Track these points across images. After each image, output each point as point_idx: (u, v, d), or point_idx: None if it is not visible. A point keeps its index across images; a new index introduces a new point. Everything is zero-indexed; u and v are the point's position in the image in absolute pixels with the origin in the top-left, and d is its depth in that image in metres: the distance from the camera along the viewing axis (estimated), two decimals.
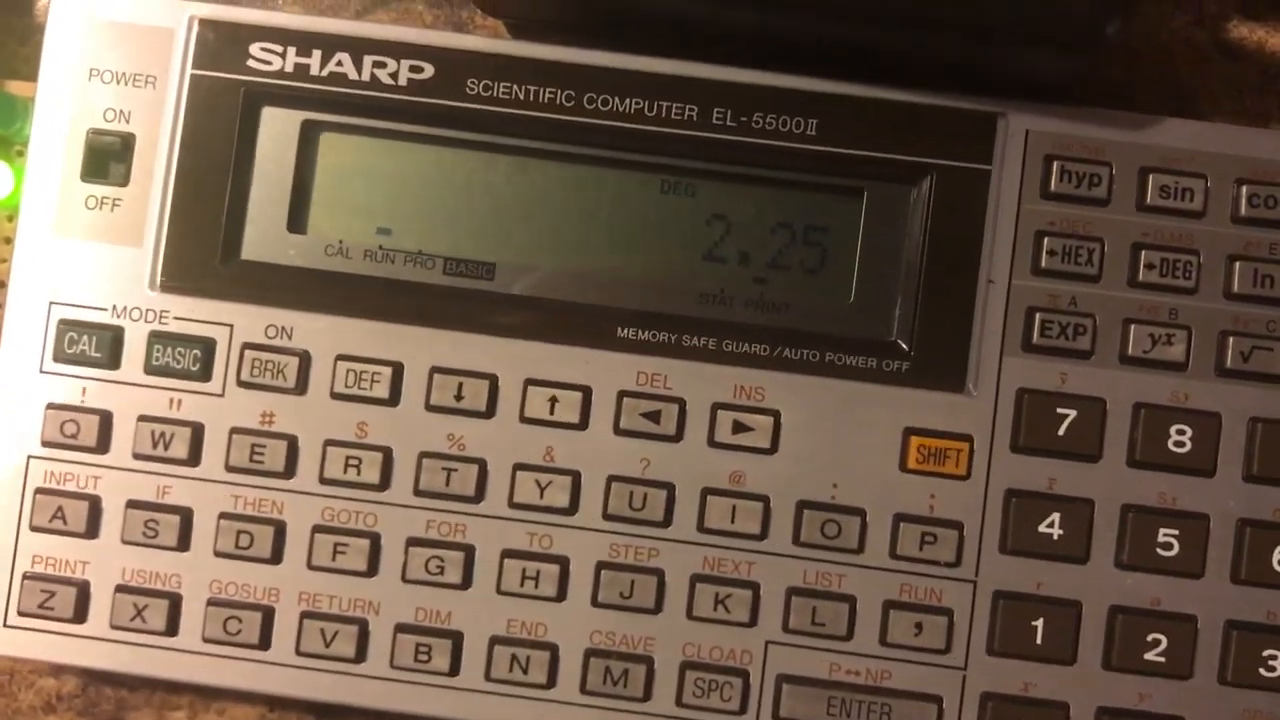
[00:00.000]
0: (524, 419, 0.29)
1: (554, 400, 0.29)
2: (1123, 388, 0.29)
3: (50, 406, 0.30)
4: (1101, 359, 0.29)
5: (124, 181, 0.30)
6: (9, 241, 0.32)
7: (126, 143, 0.30)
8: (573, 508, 0.29)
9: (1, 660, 0.32)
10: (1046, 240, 0.29)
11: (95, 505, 0.30)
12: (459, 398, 0.29)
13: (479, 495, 0.29)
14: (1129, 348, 0.29)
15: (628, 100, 0.30)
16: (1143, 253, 0.29)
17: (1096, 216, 0.29)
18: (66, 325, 0.30)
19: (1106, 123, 0.29)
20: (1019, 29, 0.28)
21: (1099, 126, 0.29)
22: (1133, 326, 0.29)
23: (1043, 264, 0.29)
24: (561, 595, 0.29)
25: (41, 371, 0.30)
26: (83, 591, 0.30)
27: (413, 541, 0.29)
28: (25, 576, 0.30)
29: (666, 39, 0.30)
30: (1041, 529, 0.29)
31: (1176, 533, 0.29)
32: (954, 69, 0.29)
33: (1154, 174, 0.29)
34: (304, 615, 0.29)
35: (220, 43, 0.30)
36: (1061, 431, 0.29)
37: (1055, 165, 0.29)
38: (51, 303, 0.30)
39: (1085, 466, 0.29)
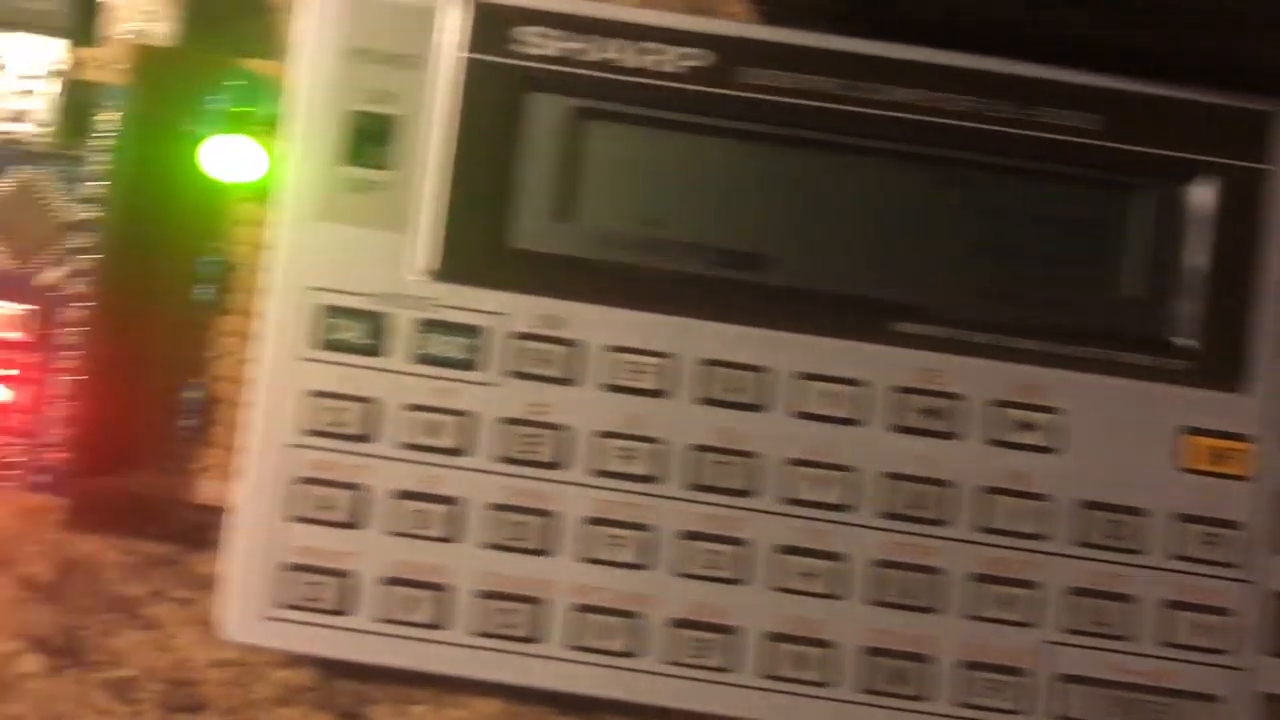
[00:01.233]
0: (798, 414, 0.29)
1: (828, 395, 0.29)
2: None
3: (311, 394, 0.29)
4: None
5: (386, 165, 0.29)
6: (245, 224, 0.31)
7: (389, 125, 0.29)
8: (849, 506, 0.29)
9: (237, 652, 0.32)
10: None
11: (359, 495, 0.29)
12: (733, 390, 0.29)
13: (752, 490, 0.29)
14: None
15: (905, 91, 0.29)
16: None
17: None
18: (328, 311, 0.29)
19: None
20: None
21: None
22: None
23: None
24: (839, 593, 0.29)
25: (301, 358, 0.29)
26: (345, 583, 0.29)
27: (687, 535, 0.29)
28: (284, 567, 0.29)
29: (930, 30, 0.29)
30: None
31: None
32: (1239, 65, 0.29)
33: None
34: (577, 608, 0.29)
35: (490, 26, 0.29)
36: None
37: None
38: (312, 288, 0.29)
39: None
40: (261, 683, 0.32)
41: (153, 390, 0.31)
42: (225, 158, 0.31)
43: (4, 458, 0.29)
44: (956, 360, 0.29)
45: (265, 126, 0.31)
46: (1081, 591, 0.29)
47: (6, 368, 0.29)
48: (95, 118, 0.29)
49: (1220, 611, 0.29)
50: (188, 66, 0.31)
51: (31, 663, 0.32)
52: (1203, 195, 0.29)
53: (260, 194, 0.31)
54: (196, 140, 0.31)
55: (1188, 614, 0.29)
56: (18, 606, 0.32)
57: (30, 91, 0.29)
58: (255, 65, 0.31)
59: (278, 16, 0.33)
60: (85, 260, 0.29)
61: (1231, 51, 0.29)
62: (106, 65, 0.30)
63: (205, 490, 0.31)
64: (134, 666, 0.32)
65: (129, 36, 0.31)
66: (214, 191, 0.31)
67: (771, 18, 0.31)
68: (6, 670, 0.32)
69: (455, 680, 0.30)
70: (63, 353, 0.29)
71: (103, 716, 0.32)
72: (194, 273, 0.31)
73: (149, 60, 0.31)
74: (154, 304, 0.31)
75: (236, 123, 0.31)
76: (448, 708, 0.32)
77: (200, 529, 0.32)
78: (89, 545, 0.32)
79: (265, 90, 0.31)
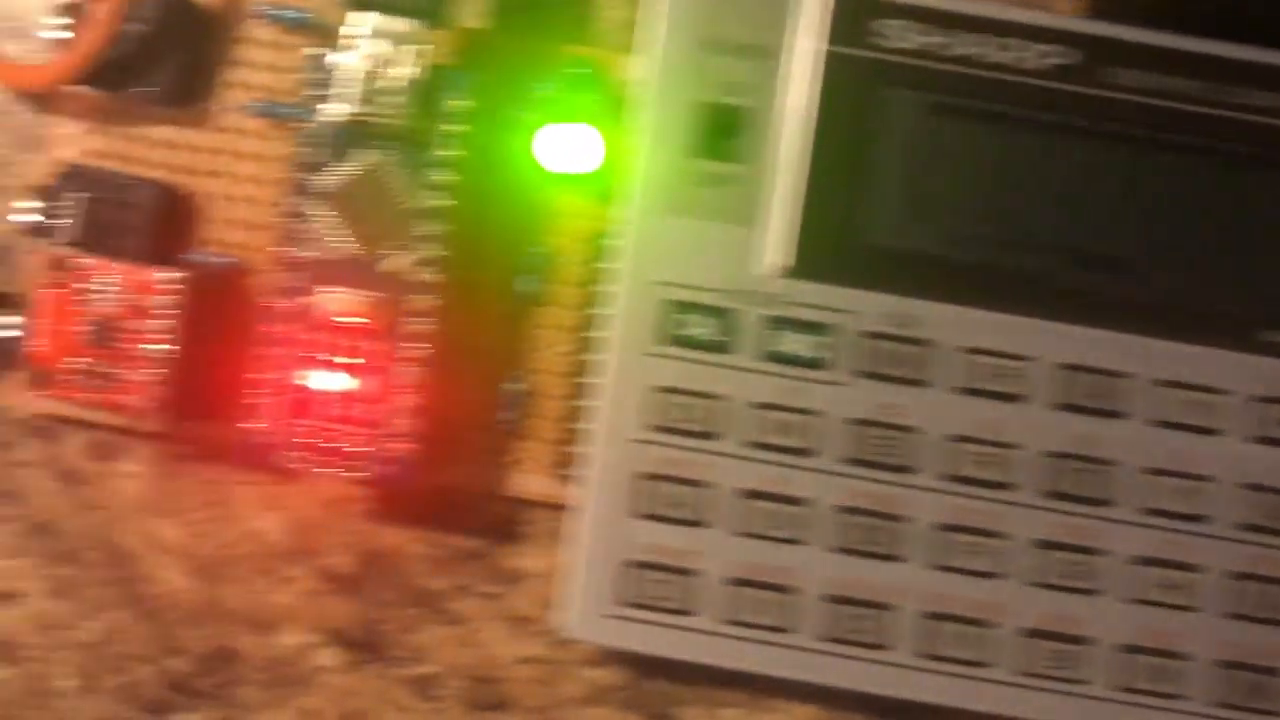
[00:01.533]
0: (1156, 422, 0.28)
1: (1188, 404, 0.28)
2: None
3: (658, 389, 0.29)
4: None
5: (736, 158, 0.29)
6: (581, 217, 0.31)
7: (740, 118, 0.29)
8: (1208, 516, 0.28)
9: (544, 649, 0.31)
10: None
11: (705, 493, 0.28)
12: (1089, 397, 0.28)
13: (1109, 500, 0.28)
14: None
15: (1271, 95, 0.28)
16: None
17: None
18: (675, 306, 0.29)
19: None
20: None
21: None
22: None
23: None
24: (1194, 606, 0.28)
25: (647, 354, 0.29)
26: (689, 582, 0.28)
27: (1042, 545, 0.28)
28: (629, 564, 0.28)
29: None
30: None
31: None
32: None
33: None
34: (927, 616, 0.28)
35: (851, 18, 0.29)
36: None
37: None
38: (659, 283, 0.29)
39: None
40: (569, 681, 0.31)
41: (477, 383, 0.30)
42: (558, 147, 0.30)
43: (348, 446, 0.28)
44: None
45: (593, 114, 0.30)
46: None
47: (351, 355, 0.28)
48: (443, 102, 0.29)
49: None
50: (517, 52, 0.30)
51: (330, 656, 0.31)
52: None
53: (590, 185, 0.30)
54: (529, 129, 0.30)
55: None
56: (317, 598, 0.31)
57: (379, 73, 0.28)
58: (581, 52, 0.31)
59: (593, 4, 0.32)
60: (431, 248, 0.29)
61: None
62: (454, 49, 0.29)
63: (518, 484, 0.31)
64: (436, 663, 0.31)
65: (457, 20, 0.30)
66: (544, 181, 0.30)
67: (1101, 12, 0.31)
68: (304, 663, 0.31)
69: (771, 684, 0.30)
70: (408, 342, 0.29)
71: (403, 713, 0.31)
72: (520, 264, 0.30)
73: (475, 45, 0.30)
74: (483, 295, 0.30)
75: (566, 110, 0.30)
76: (761, 712, 0.31)
77: (509, 523, 0.31)
78: (393, 537, 0.32)
79: (600, 77, 0.30)
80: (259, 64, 0.31)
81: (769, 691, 0.31)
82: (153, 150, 0.31)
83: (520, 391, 0.30)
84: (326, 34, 0.30)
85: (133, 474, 0.31)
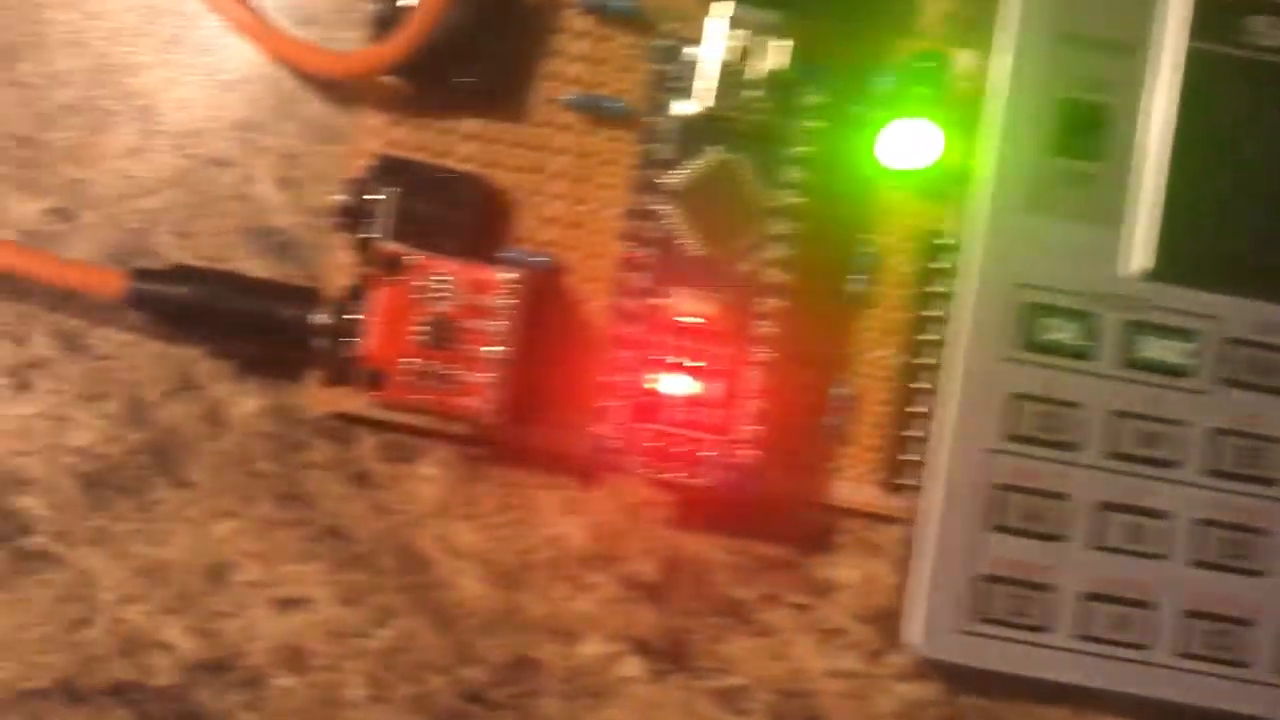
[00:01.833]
0: None
1: None
2: None
3: (1014, 396, 0.28)
4: None
5: (1099, 156, 0.28)
6: (899, 212, 0.30)
7: (1102, 115, 0.28)
8: None
9: (857, 662, 0.30)
10: None
11: (1066, 505, 0.27)
12: None
13: None
14: None
15: None
16: None
17: None
18: (1035, 310, 0.28)
19: None
20: None
21: None
22: None
23: None
24: None
25: (1004, 359, 0.28)
26: (1047, 597, 0.27)
27: None
28: (983, 579, 0.27)
29: None
30: None
31: None
32: None
33: None
34: None
35: (1219, 14, 0.28)
36: None
37: None
38: (1019, 285, 0.28)
39: None
40: (883, 695, 0.30)
41: (804, 388, 0.29)
42: (899, 143, 0.29)
43: (695, 452, 0.27)
44: None
45: (931, 109, 0.29)
46: None
47: (698, 359, 0.27)
48: (797, 97, 0.28)
49: None
50: (853, 47, 0.29)
51: (633, 666, 0.30)
52: None
53: (923, 181, 0.29)
54: (872, 125, 0.29)
55: None
56: (620, 606, 0.30)
57: (738, 66, 0.27)
58: (919, 45, 0.29)
59: None
60: (781, 248, 0.27)
61: None
62: (804, 42, 0.28)
63: (836, 491, 0.30)
64: (744, 675, 0.30)
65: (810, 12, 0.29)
66: (883, 179, 0.29)
67: None
68: (607, 673, 0.30)
69: (1092, 697, 0.29)
70: (756, 346, 0.27)
71: None
72: (851, 264, 0.29)
73: (826, 36, 0.29)
74: (817, 296, 0.29)
75: (905, 106, 0.29)
76: None
77: (821, 532, 0.30)
78: (698, 544, 0.30)
79: (944, 70, 0.29)
80: (579, 56, 0.29)
81: (1092, 705, 0.30)
82: (463, 144, 0.30)
83: (846, 397, 0.29)
84: (652, 27, 0.28)
85: (429, 477, 0.30)
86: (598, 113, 0.29)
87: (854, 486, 0.30)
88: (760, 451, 0.28)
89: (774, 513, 0.30)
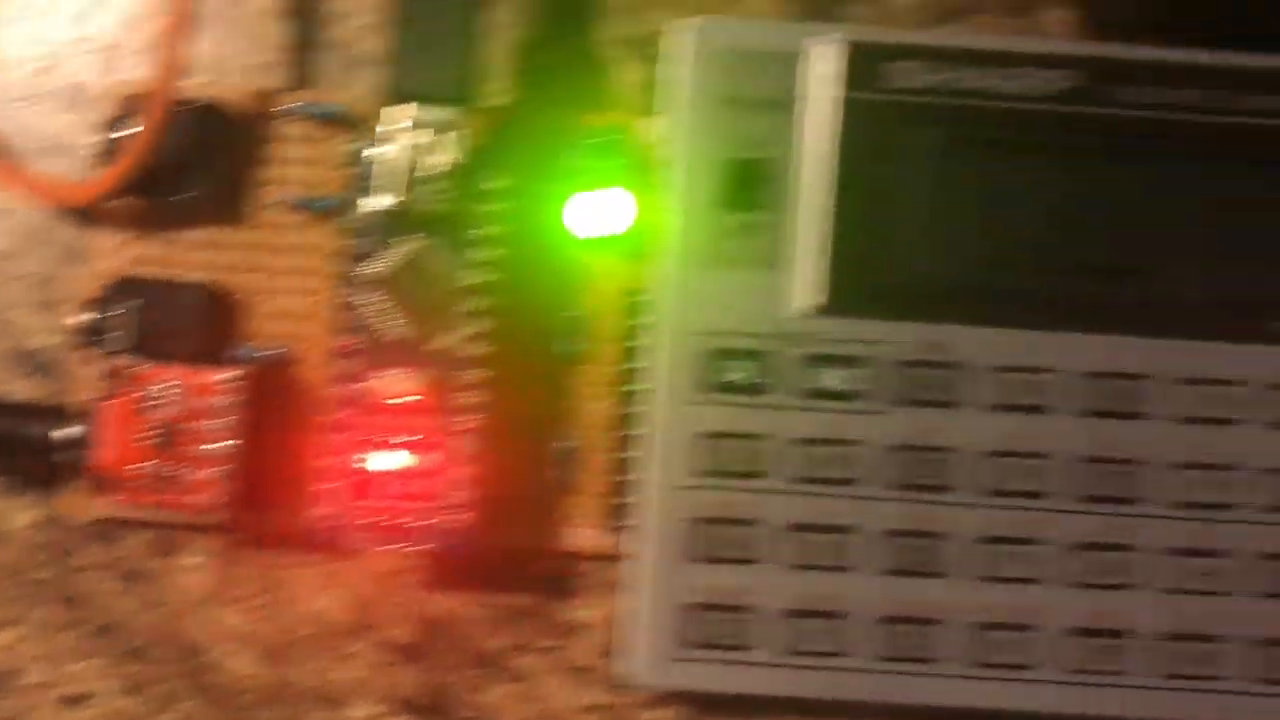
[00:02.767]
0: (1180, 419, 0.30)
1: (1209, 398, 0.30)
2: None
3: (702, 436, 0.30)
4: None
5: (763, 207, 0.30)
6: (603, 275, 0.32)
7: (765, 169, 0.30)
8: (1232, 505, 0.30)
9: (605, 696, 0.32)
10: None
11: (756, 531, 0.30)
12: (1113, 401, 0.30)
13: (1140, 498, 0.30)
14: None
15: (1267, 98, 0.30)
16: None
17: None
18: (715, 354, 0.30)
19: None
20: None
21: None
22: None
23: None
24: (1227, 590, 0.30)
25: (690, 402, 0.30)
26: (748, 619, 0.30)
27: (1078, 546, 0.30)
28: (688, 608, 0.30)
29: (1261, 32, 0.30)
30: None
31: None
32: None
33: None
34: (975, 626, 0.30)
35: (864, 63, 0.30)
36: None
37: None
38: (697, 333, 0.30)
39: None
40: None
41: (527, 446, 0.31)
42: (587, 212, 0.31)
43: (410, 522, 0.29)
44: None
45: (620, 178, 0.31)
46: None
47: (408, 433, 0.29)
48: (479, 183, 0.30)
49: None
50: (540, 125, 0.32)
51: None
52: None
53: (621, 246, 0.31)
54: (559, 198, 0.31)
55: None
56: (383, 670, 0.32)
57: (420, 162, 0.30)
58: (602, 119, 0.32)
59: (613, 70, 0.33)
60: (477, 323, 0.30)
61: None
62: (483, 130, 0.30)
63: (571, 538, 0.32)
64: (504, 719, 0.32)
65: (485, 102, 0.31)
66: (575, 245, 0.31)
67: (1096, 33, 0.32)
68: None
69: (827, 707, 0.31)
70: (461, 416, 0.30)
71: None
72: (559, 327, 0.32)
73: (502, 121, 0.31)
74: (527, 361, 0.31)
75: (595, 177, 0.31)
76: None
77: (563, 577, 0.32)
78: (450, 603, 0.32)
79: (622, 143, 0.31)
80: (293, 160, 0.32)
81: (826, 714, 0.32)
82: (194, 253, 0.32)
83: (568, 450, 0.32)
84: (359, 126, 0.31)
85: (193, 567, 0.32)
86: (315, 210, 0.32)
87: (586, 532, 0.32)
88: (474, 514, 0.30)
89: (516, 565, 0.32)
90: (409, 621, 0.32)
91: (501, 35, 0.33)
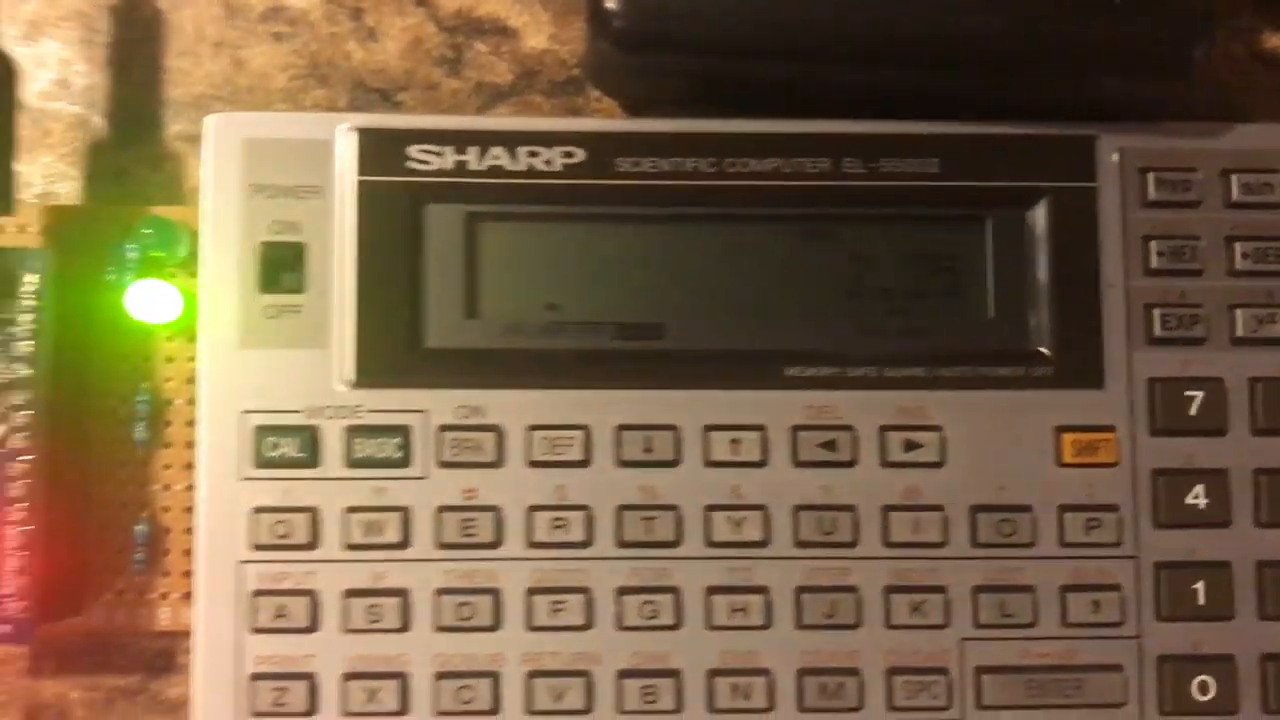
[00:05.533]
0: (709, 463, 0.32)
1: (735, 442, 0.32)
2: (1238, 366, 0.32)
3: (256, 510, 0.31)
4: (1215, 343, 0.32)
5: (301, 288, 0.32)
6: (171, 360, 0.33)
7: (299, 252, 0.32)
8: (767, 540, 0.31)
9: None
10: (1153, 244, 0.32)
11: (313, 599, 0.31)
12: (647, 450, 0.31)
13: (679, 539, 0.31)
14: (1237, 330, 0.32)
15: (764, 160, 0.32)
16: (1236, 245, 0.33)
17: (1192, 217, 0.33)
18: (262, 431, 0.31)
19: (1185, 134, 0.33)
20: (1115, 62, 0.31)
21: (1180, 138, 0.33)
22: (1238, 311, 0.32)
23: (1153, 264, 0.32)
24: (768, 623, 0.31)
25: (242, 478, 0.31)
26: (311, 685, 0.31)
27: (623, 591, 0.31)
28: (254, 677, 0.31)
29: (778, 103, 0.33)
30: (1188, 501, 0.32)
31: None
32: (1058, 101, 0.32)
33: (1235, 174, 0.33)
34: (529, 675, 0.31)
35: (381, 148, 0.32)
36: (1192, 412, 0.32)
37: (1150, 176, 0.33)
38: (244, 411, 0.31)
39: (1216, 440, 0.32)
40: None
41: (104, 530, 0.33)
42: (148, 301, 0.33)
43: None
44: (843, 395, 0.32)
45: (182, 268, 0.33)
46: (986, 589, 0.32)
47: None
48: (21, 280, 0.31)
49: (1110, 588, 0.32)
50: (100, 220, 0.33)
51: None
52: (1039, 217, 0.32)
53: (182, 331, 0.33)
54: (119, 288, 0.33)
55: (1082, 595, 0.32)
56: None
57: None
58: (164, 211, 0.33)
59: (176, 164, 0.35)
60: (23, 416, 0.31)
61: (1049, 88, 0.33)
62: (24, 229, 0.32)
63: (164, 617, 0.33)
64: None
65: (38, 200, 0.33)
66: (140, 334, 0.33)
67: (635, 111, 0.35)
68: None
69: None
70: (11, 506, 0.31)
71: None
72: (129, 413, 0.33)
73: (61, 219, 0.33)
74: (95, 447, 0.33)
75: (153, 267, 0.33)
76: None
77: (163, 655, 0.34)
78: (54, 688, 0.33)
79: (178, 234, 0.33)
80: None
81: None
82: None
83: (149, 531, 0.33)
84: None
85: None
86: None
87: (176, 611, 0.33)
88: (30, 602, 0.31)
89: (116, 646, 0.33)
90: (15, 710, 0.33)
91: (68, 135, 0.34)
